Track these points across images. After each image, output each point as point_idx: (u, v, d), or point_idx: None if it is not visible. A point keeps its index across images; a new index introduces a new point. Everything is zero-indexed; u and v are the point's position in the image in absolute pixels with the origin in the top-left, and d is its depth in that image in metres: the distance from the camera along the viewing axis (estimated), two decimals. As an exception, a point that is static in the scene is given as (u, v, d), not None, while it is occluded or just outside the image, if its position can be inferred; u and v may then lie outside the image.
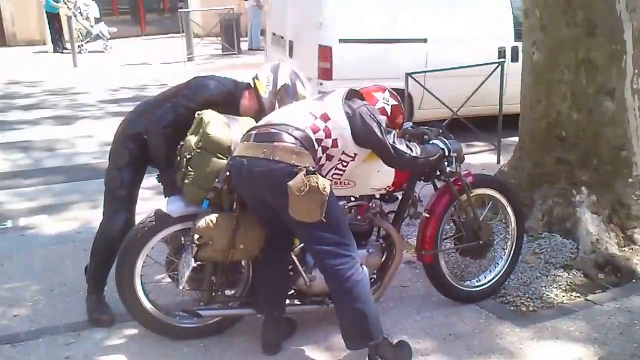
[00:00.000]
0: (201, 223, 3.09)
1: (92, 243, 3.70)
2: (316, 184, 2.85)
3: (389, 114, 3.44)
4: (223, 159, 3.18)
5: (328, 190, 2.90)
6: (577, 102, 4.43)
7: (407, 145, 3.23)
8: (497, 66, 6.45)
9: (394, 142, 3.17)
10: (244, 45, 15.76)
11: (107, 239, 3.54)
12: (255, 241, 3.21)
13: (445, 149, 3.47)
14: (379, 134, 3.13)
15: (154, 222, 3.29)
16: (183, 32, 14.43)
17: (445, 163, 3.50)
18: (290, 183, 2.86)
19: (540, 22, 4.52)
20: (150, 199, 3.96)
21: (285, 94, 3.49)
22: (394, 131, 3.24)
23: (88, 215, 5.33)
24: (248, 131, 3.16)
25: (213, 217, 3.11)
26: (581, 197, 4.44)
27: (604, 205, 4.46)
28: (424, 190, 3.74)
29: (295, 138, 2.99)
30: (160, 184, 3.60)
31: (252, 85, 3.54)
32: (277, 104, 3.47)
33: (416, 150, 3.26)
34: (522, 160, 4.83)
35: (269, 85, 3.48)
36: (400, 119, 3.53)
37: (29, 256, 4.57)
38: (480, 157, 6.56)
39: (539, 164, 4.65)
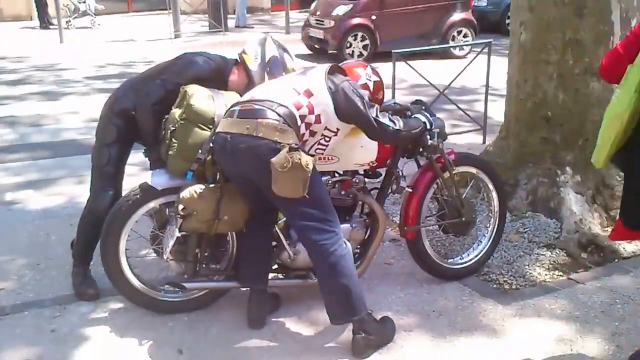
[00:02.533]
0: (185, 194, 3.11)
1: (78, 218, 3.71)
2: (299, 161, 2.87)
3: (371, 89, 3.46)
4: (206, 130, 3.20)
5: (311, 166, 2.92)
6: (563, 82, 4.44)
7: (389, 119, 3.26)
8: (485, 46, 6.46)
9: (376, 115, 3.19)
10: (231, 23, 15.64)
11: (94, 215, 3.54)
12: (239, 213, 3.23)
13: (427, 123, 3.49)
14: (361, 108, 3.14)
15: (138, 195, 3.30)
16: (170, 8, 14.30)
17: (428, 137, 3.52)
18: (273, 159, 2.87)
19: (529, 2, 4.52)
20: (135, 175, 3.96)
21: (274, 66, 3.51)
22: (376, 105, 3.26)
23: (74, 190, 5.33)
24: (231, 107, 3.16)
25: (197, 188, 3.13)
26: (565, 177, 4.47)
27: (588, 186, 4.49)
28: (408, 169, 3.77)
29: (279, 115, 3.00)
30: (147, 159, 3.60)
31: (240, 60, 3.54)
32: (266, 76, 3.49)
33: (399, 124, 3.28)
34: (507, 140, 4.85)
35: (257, 58, 3.49)
36: (381, 95, 3.55)
37: (15, 230, 4.57)
38: (466, 137, 6.57)
39: (524, 143, 4.67)
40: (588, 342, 3.25)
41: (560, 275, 3.95)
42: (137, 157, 3.75)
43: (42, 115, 7.83)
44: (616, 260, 4.11)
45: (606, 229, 4.40)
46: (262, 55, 3.50)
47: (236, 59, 3.62)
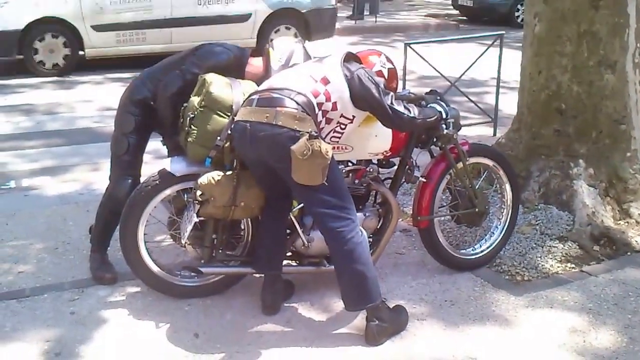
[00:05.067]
0: (203, 180, 3.15)
1: (94, 204, 3.76)
2: (319, 148, 2.90)
3: (386, 77, 3.49)
4: (225, 117, 3.24)
5: (330, 154, 2.95)
6: (577, 74, 4.44)
7: (405, 107, 3.28)
8: (496, 39, 6.46)
9: (392, 103, 3.21)
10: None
11: (113, 203, 3.58)
12: (255, 199, 3.27)
13: (443, 112, 3.52)
14: (377, 95, 3.17)
15: (157, 181, 3.34)
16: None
17: (443, 126, 3.54)
18: (293, 147, 2.90)
19: (544, -7, 4.52)
20: (150, 163, 3.99)
21: None
22: (391, 93, 3.29)
23: (89, 177, 5.37)
24: (249, 96, 3.19)
25: (215, 174, 3.17)
26: (578, 169, 4.47)
27: (600, 178, 4.49)
28: (421, 160, 3.79)
29: (297, 103, 3.03)
30: (164, 147, 3.66)
31: (264, 52, 3.57)
32: None
33: (414, 112, 3.31)
34: (520, 132, 4.85)
35: (281, 60, 3.50)
36: (395, 83, 3.58)
37: (33, 216, 4.60)
38: (476, 130, 6.58)
39: (537, 135, 4.67)
40: (601, 334, 3.26)
41: (573, 268, 3.96)
42: (152, 145, 3.78)
43: (57, 104, 7.86)
44: (629, 253, 4.12)
45: (619, 222, 4.41)
46: (287, 59, 3.50)
47: (252, 49, 3.66)
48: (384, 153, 3.59)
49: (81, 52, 9.27)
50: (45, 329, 3.27)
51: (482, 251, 3.95)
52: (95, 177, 5.28)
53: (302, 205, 3.43)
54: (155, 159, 4.39)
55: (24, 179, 5.39)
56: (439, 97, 3.66)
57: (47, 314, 3.39)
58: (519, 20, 13.77)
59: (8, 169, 5.62)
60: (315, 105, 3.09)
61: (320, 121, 3.14)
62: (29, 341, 3.17)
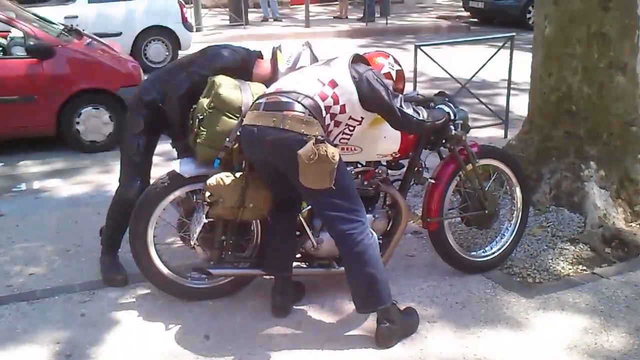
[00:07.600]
0: (212, 181, 3.16)
1: (105, 206, 3.77)
2: (325, 153, 2.89)
3: (394, 78, 3.50)
4: (234, 118, 3.25)
5: (337, 158, 2.94)
6: (588, 76, 4.42)
7: (414, 109, 3.28)
8: (507, 40, 6.45)
9: (401, 105, 3.21)
10: (252, 16, 15.64)
11: (123, 204, 3.60)
12: (264, 200, 3.27)
13: (452, 113, 3.51)
14: (386, 97, 3.17)
15: (166, 183, 3.36)
16: (191, 2, 14.35)
17: (452, 127, 3.54)
18: (300, 152, 2.90)
19: (554, -5, 4.50)
20: (160, 165, 4.02)
21: None
22: (400, 95, 3.28)
23: (100, 179, 5.41)
24: (257, 99, 3.19)
25: (224, 175, 3.18)
26: (589, 171, 4.45)
27: (612, 180, 4.47)
28: (431, 162, 3.78)
29: (305, 107, 3.02)
30: (174, 149, 3.67)
31: (272, 55, 3.59)
32: None
33: (423, 114, 3.30)
34: (530, 134, 4.83)
35: (289, 62, 3.54)
36: (402, 84, 3.58)
37: (44, 218, 4.64)
38: (487, 131, 6.56)
39: (548, 137, 4.64)
40: (612, 337, 3.24)
41: (584, 270, 3.94)
42: (161, 147, 3.81)
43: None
44: (640, 255, 4.10)
45: (630, 224, 4.38)
46: (294, 62, 3.53)
47: (259, 52, 3.67)
48: (393, 154, 3.59)
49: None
50: (56, 330, 3.28)
51: (492, 253, 3.94)
52: (106, 178, 5.32)
53: (310, 206, 3.43)
54: (165, 161, 4.42)
55: (35, 181, 5.43)
56: (447, 99, 3.66)
57: (57, 315, 3.41)
58: (530, 22, 13.74)
59: (19, 171, 5.66)
60: (323, 108, 3.08)
61: (328, 124, 3.14)
62: (39, 343, 3.18)
